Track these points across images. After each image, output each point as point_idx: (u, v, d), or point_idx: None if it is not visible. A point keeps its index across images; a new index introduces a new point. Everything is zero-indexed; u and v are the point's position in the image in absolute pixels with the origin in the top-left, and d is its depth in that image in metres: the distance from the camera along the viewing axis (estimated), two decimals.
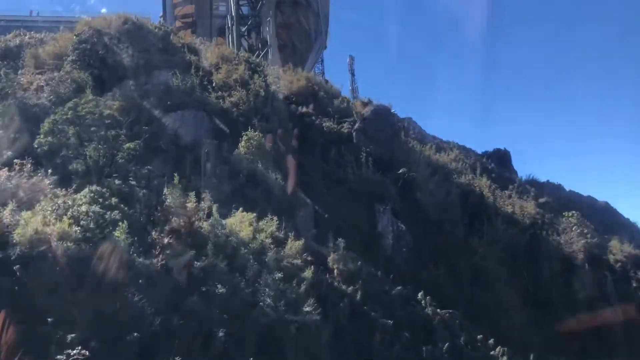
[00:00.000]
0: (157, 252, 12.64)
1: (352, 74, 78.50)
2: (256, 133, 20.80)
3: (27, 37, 27.50)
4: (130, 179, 16.22)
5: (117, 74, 22.99)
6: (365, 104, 29.77)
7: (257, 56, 43.09)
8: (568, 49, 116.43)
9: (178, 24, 62.05)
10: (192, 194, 16.81)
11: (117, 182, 15.47)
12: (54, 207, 12.19)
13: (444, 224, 22.07)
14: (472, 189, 25.55)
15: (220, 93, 23.36)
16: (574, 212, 24.77)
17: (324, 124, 24.37)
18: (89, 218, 12.02)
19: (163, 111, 22.19)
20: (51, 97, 20.16)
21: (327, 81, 35.97)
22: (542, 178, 44.93)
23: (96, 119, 15.80)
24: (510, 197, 26.48)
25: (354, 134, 24.15)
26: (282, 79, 27.89)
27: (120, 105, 19.80)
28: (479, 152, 47.25)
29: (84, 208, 12.27)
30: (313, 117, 24.67)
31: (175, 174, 15.95)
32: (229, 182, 19.19)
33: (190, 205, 16.58)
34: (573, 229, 23.39)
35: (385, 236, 20.39)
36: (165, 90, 22.71)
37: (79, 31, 24.21)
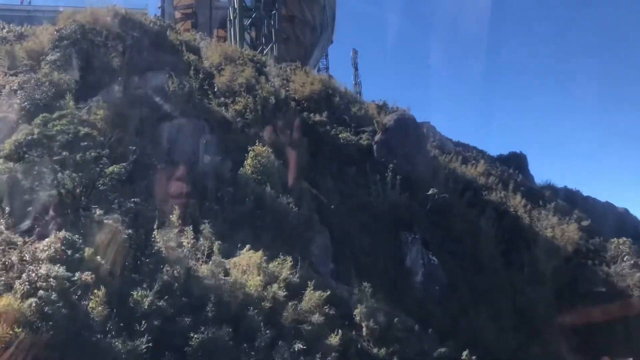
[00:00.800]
0: (141, 328, 9.53)
1: (356, 68, 74.84)
2: (265, 148, 17.65)
3: (4, 31, 24.13)
4: (114, 209, 13.10)
5: (104, 77, 19.67)
6: (380, 108, 26.66)
7: (261, 52, 39.92)
8: (570, 48, 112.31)
9: (178, 14, 58.57)
10: (189, 229, 13.81)
11: (96, 215, 12.37)
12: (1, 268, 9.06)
13: (479, 255, 18.99)
14: (505, 208, 22.48)
15: (223, 99, 20.17)
16: (624, 238, 21.69)
17: (340, 135, 21.23)
18: (50, 285, 8.89)
19: (156, 120, 19.03)
20: (25, 103, 16.92)
21: (331, 76, 32.87)
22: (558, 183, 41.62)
23: (71, 139, 12.62)
24: (547, 217, 23.37)
25: (374, 146, 21.03)
26: (292, 81, 24.64)
27: (105, 115, 16.64)
28: (494, 154, 44.48)
29: (43, 270, 9.13)
30: (328, 127, 21.49)
31: (173, 209, 12.86)
32: (233, 208, 16.08)
33: (187, 242, 13.56)
34: (625, 258, 20.31)
35: (414, 272, 17.33)
36: (160, 95, 19.49)
37: (60, 25, 20.91)
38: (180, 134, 18.99)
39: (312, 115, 22.18)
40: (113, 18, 22.33)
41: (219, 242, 13.88)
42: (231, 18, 44.17)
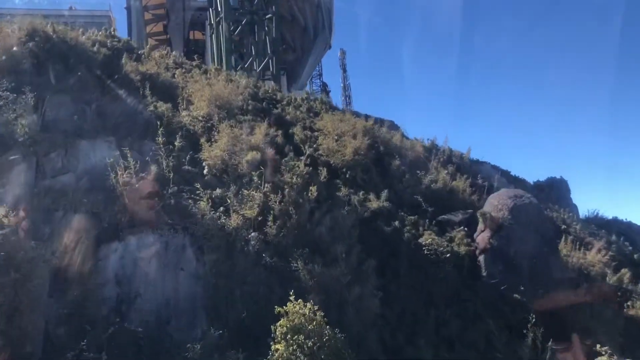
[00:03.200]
0: None
1: (344, 70, 66.09)
2: (298, 303, 8.48)
3: None
4: None
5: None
6: (428, 150, 17.79)
7: (248, 64, 30.51)
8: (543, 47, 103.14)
9: (148, 15, 48.62)
10: None
11: None
12: None
13: None
14: None
15: (219, 192, 10.94)
16: None
17: (420, 241, 12.18)
18: None
19: (95, 242, 9.85)
20: None
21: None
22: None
23: None
24: None
25: (482, 259, 12.06)
26: (320, 132, 15.50)
27: None
28: (531, 181, 35.91)
29: None
30: (395, 223, 12.43)
31: None
32: None
33: None
34: None
35: None
36: (99, 186, 10.32)
37: None
38: (143, 262, 9.88)
39: (363, 196, 13.08)
40: (27, 40, 12.90)
41: None
42: (212, 22, 34.55)
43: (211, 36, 35.52)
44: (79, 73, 13.25)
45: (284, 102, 18.09)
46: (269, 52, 30.06)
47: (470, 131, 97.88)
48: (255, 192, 10.66)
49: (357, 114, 27.39)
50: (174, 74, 15.87)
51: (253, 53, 32.11)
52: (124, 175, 10.27)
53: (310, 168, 11.67)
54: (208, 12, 36.53)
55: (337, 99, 60.96)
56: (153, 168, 10.73)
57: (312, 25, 50.73)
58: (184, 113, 13.04)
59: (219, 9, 30.61)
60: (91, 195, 10.55)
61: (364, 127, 15.71)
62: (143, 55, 17.89)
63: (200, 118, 12.92)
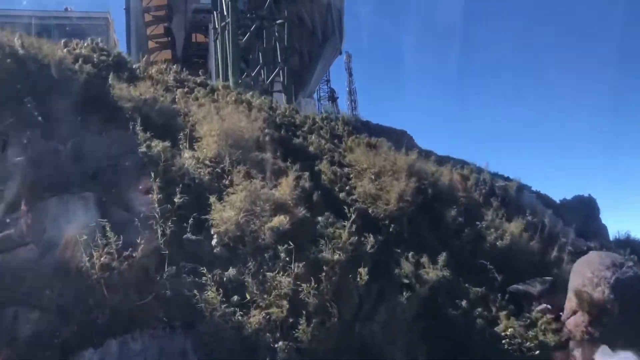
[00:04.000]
0: None
1: (350, 74, 63.02)
2: None
3: None
4: None
5: None
6: (465, 178, 14.85)
7: (255, 73, 27.42)
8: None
9: (148, 18, 45.63)
10: None
11: None
12: None
13: None
14: None
15: (233, 273, 7.93)
16: None
17: (497, 329, 9.17)
18: None
19: (61, 351, 6.88)
20: None
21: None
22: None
23: None
24: None
25: (577, 356, 9.03)
26: (354, 171, 12.51)
27: None
28: (556, 199, 32.86)
29: None
30: (462, 303, 9.42)
31: None
32: None
33: None
34: None
35: None
36: (70, 266, 7.37)
37: None
38: None
39: (414, 258, 10.09)
40: None
41: None
42: (216, 26, 31.45)
43: (215, 41, 32.40)
44: (53, 100, 10.27)
45: (305, 129, 15.07)
46: (279, 60, 26.97)
47: (474, 133, 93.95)
48: (283, 276, 7.65)
49: (369, 127, 24.37)
50: (175, 97, 12.80)
51: (260, 61, 29.02)
52: (103, 256, 7.28)
53: (356, 237, 8.64)
54: (212, 16, 33.47)
55: (342, 103, 58.08)
56: (143, 240, 7.74)
57: (320, 29, 47.65)
58: (186, 154, 10.00)
59: (225, 13, 27.51)
60: (57, 280, 7.56)
61: (407, 163, 12.66)
62: (138, 71, 14.90)
63: (208, 162, 9.88)
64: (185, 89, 14.53)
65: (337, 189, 11.81)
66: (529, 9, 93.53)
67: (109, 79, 11.83)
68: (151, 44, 46.61)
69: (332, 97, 56.06)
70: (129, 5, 43.38)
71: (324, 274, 7.79)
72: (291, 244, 7.77)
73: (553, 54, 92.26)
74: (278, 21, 27.62)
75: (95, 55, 13.11)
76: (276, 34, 28.02)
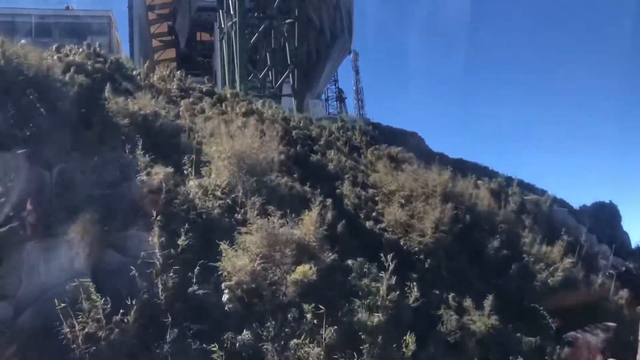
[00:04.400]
0: None
1: (357, 72, 61.28)
2: None
3: None
4: None
5: None
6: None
7: (263, 75, 25.83)
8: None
9: (152, 16, 44.19)
10: None
11: None
12: None
13: None
14: None
15: (248, 337, 6.44)
16: None
17: None
18: None
19: None
20: None
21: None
22: None
23: None
24: None
25: None
26: (380, 193, 10.98)
27: None
28: (575, 205, 31.22)
29: None
30: None
31: None
32: None
33: None
34: None
35: None
36: (51, 324, 5.92)
37: None
38: None
39: (455, 301, 8.59)
40: None
41: None
42: (222, 25, 29.93)
43: (221, 41, 30.86)
44: (39, 118, 8.81)
45: (322, 142, 13.55)
46: (288, 62, 25.41)
47: (479, 132, 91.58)
48: (311, 347, 6.15)
49: (380, 128, 22.76)
50: (179, 110, 11.29)
51: (269, 62, 27.48)
52: (90, 324, 5.82)
53: (397, 292, 7.14)
54: (217, 14, 31.92)
55: (349, 103, 56.39)
56: (139, 299, 6.28)
57: (328, 28, 45.91)
58: (192, 182, 8.51)
59: (231, 12, 25.95)
60: (34, 348, 6.10)
61: (441, 185, 11.13)
62: (139, 78, 13.43)
63: (218, 193, 8.37)
64: (191, 99, 13.04)
65: (362, 216, 10.33)
66: (538, 8, 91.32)
67: (105, 91, 10.33)
68: (155, 43, 45.10)
69: (340, 97, 54.35)
70: (132, 3, 41.82)
71: (364, 346, 6.26)
72: (321, 307, 6.25)
73: (562, 53, 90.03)
74: (287, 20, 26.06)
75: (89, 63, 11.59)
76: (285, 33, 26.48)
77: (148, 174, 8.25)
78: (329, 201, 9.43)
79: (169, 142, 9.70)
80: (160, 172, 8.23)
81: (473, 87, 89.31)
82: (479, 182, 15.36)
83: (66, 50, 12.61)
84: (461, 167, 17.22)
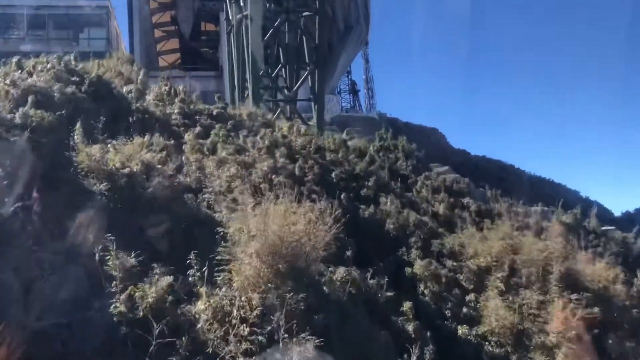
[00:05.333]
0: None
1: (367, 61, 57.56)
2: None
3: None
4: None
5: None
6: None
7: (276, 76, 22.31)
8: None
9: (153, 4, 40.64)
10: None
11: None
12: None
13: None
14: None
15: None
16: None
17: None
18: None
19: None
20: None
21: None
22: None
23: None
24: None
25: None
26: (466, 269, 7.63)
27: None
28: (616, 213, 27.97)
29: None
30: None
31: None
32: None
33: None
34: None
35: None
36: None
37: None
38: None
39: None
40: None
41: None
42: (229, 17, 26.12)
43: (229, 34, 27.05)
44: None
45: (370, 183, 10.13)
46: (306, 60, 21.80)
47: (485, 127, 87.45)
48: None
49: (397, 125, 19.33)
50: (182, 160, 7.85)
51: (282, 60, 23.78)
52: None
53: None
54: (224, 4, 28.04)
55: (360, 94, 52.77)
56: None
57: (342, 18, 42.17)
58: (201, 303, 5.16)
59: (241, 3, 22.26)
60: None
61: (554, 257, 7.72)
62: (131, 96, 10.08)
63: (239, 323, 5.03)
64: (197, 129, 9.65)
65: (448, 315, 6.99)
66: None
67: (75, 134, 6.95)
68: (157, 33, 41.56)
69: (354, 90, 50.80)
70: None
71: None
72: None
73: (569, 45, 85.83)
74: (305, 13, 22.42)
75: (57, 87, 8.15)
76: (302, 27, 22.82)
77: (129, 298, 4.89)
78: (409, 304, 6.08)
79: (166, 218, 6.32)
80: (147, 296, 4.86)
81: (474, 74, 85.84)
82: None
83: (29, 67, 9.18)
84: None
